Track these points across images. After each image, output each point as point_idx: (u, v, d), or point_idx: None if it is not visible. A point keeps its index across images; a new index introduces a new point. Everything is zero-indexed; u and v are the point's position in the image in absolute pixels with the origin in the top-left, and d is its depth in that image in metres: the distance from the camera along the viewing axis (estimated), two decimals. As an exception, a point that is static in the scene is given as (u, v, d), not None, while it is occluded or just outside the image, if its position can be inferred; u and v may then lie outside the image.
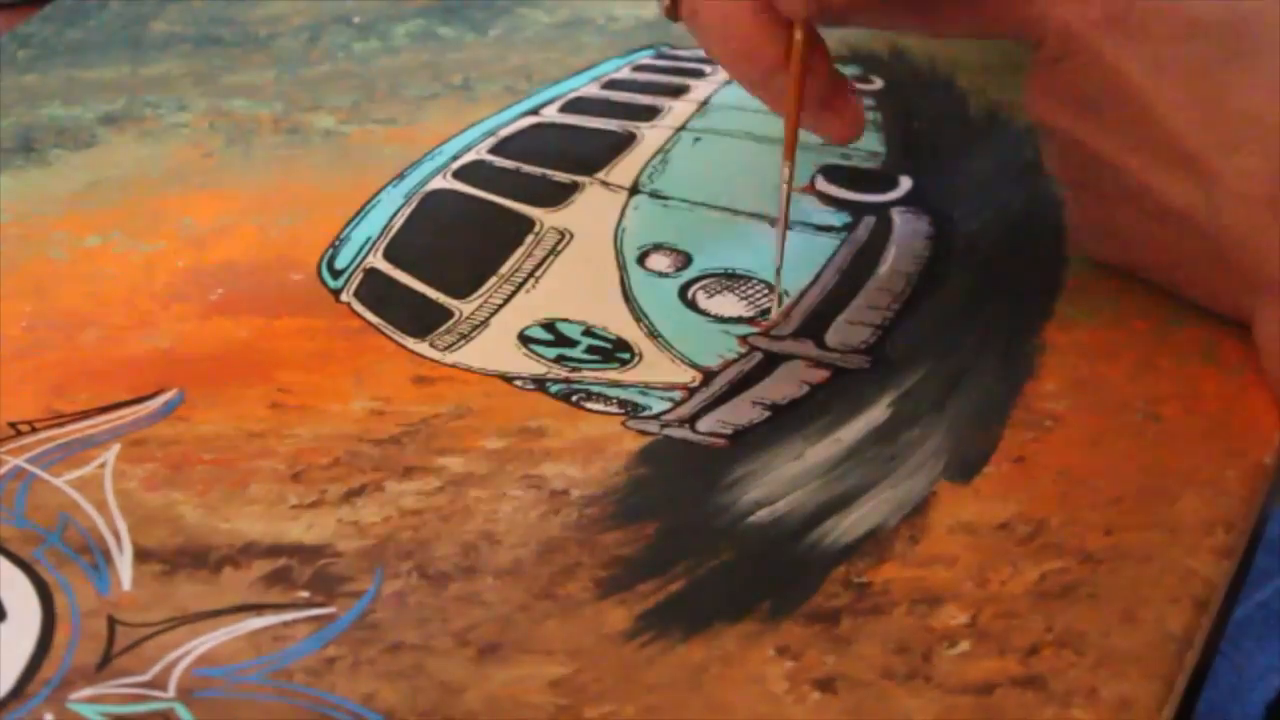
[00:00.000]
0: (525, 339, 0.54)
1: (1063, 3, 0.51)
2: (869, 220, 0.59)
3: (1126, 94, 0.50)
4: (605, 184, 0.62)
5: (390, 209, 0.61)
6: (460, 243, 0.59)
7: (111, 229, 0.61)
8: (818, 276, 0.56)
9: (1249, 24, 0.50)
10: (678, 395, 0.52)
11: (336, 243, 0.59)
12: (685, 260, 0.58)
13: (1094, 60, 0.51)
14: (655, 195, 0.61)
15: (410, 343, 0.54)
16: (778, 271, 0.55)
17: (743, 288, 0.56)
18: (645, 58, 0.71)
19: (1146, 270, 0.54)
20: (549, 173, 0.63)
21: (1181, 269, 0.52)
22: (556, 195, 0.61)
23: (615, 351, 0.54)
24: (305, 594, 0.45)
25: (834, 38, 0.72)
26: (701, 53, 0.71)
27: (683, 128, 0.66)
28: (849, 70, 0.70)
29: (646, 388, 0.52)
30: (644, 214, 0.60)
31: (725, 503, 0.47)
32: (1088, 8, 0.51)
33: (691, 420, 0.51)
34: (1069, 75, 0.52)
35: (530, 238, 0.59)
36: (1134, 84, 0.50)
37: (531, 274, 0.57)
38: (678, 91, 0.68)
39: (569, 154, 0.64)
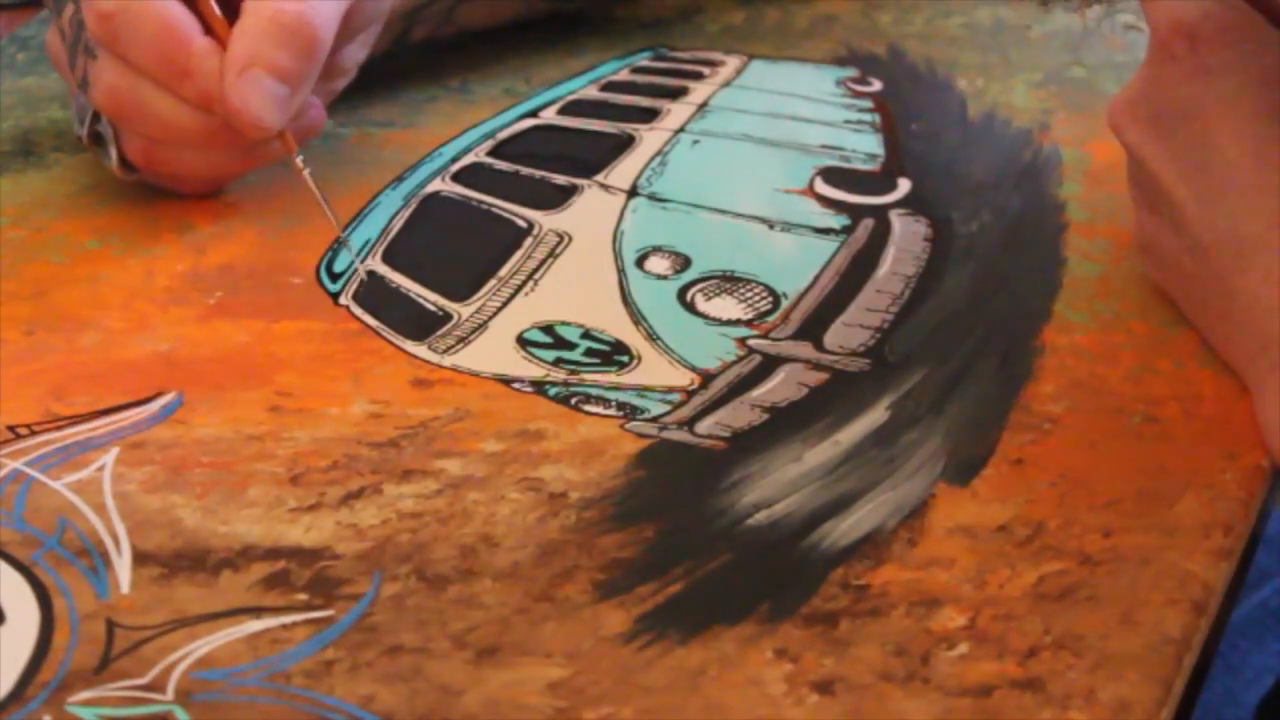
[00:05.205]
0: (524, 342, 0.54)
1: (1165, 6, 0.50)
2: (867, 222, 0.59)
3: (1193, 121, 0.49)
4: (604, 186, 0.62)
5: (389, 212, 0.61)
6: (459, 245, 0.59)
7: (110, 232, 0.61)
8: (816, 279, 0.57)
9: None
10: (676, 398, 0.52)
11: (335, 246, 0.59)
12: (684, 263, 0.58)
13: (1178, 80, 0.50)
14: (654, 198, 0.61)
15: (409, 345, 0.54)
16: None
17: (741, 290, 0.56)
18: (644, 59, 0.71)
19: (1181, 305, 0.53)
20: (548, 175, 0.63)
21: (1206, 314, 0.52)
22: (555, 198, 0.61)
23: (614, 354, 0.54)
24: (304, 597, 0.45)
25: (833, 38, 0.73)
26: (700, 55, 0.71)
27: (681, 130, 0.66)
28: (847, 71, 0.70)
29: (645, 390, 0.52)
30: (643, 216, 0.60)
31: (724, 505, 0.47)
32: (1186, 10, 0.49)
33: (690, 423, 0.51)
34: (1154, 90, 0.51)
35: (529, 240, 0.59)
36: (1202, 113, 0.49)
37: (530, 277, 0.57)
38: (676, 94, 0.68)
39: (567, 156, 0.64)
